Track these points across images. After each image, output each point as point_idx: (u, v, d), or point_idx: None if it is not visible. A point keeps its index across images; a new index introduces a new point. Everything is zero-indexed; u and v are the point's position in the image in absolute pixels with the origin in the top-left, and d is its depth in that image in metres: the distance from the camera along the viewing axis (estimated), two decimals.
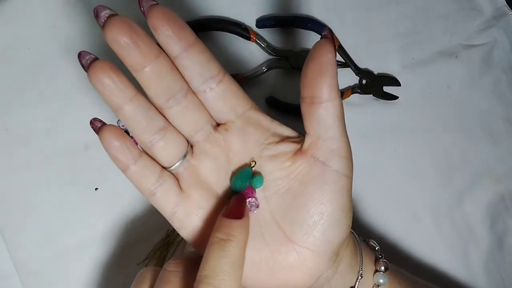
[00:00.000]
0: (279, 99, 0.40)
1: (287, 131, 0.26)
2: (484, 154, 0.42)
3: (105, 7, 0.21)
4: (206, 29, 0.40)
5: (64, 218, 0.37)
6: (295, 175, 0.25)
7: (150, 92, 0.23)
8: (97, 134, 0.24)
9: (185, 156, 0.25)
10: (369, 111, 0.41)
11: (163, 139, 0.24)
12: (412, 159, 0.41)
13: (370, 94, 0.41)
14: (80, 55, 0.22)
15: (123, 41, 0.21)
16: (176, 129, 0.25)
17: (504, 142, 0.43)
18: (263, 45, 0.40)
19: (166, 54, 0.23)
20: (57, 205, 0.37)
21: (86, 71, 0.22)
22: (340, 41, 0.41)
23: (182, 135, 0.25)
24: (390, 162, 0.41)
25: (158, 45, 0.23)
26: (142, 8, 0.22)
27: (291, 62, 0.40)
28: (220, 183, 0.26)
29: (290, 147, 0.26)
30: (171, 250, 0.37)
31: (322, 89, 0.23)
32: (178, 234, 0.38)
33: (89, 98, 0.38)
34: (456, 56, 0.43)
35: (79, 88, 0.38)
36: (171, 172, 0.25)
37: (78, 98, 0.38)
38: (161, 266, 0.37)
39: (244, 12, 0.41)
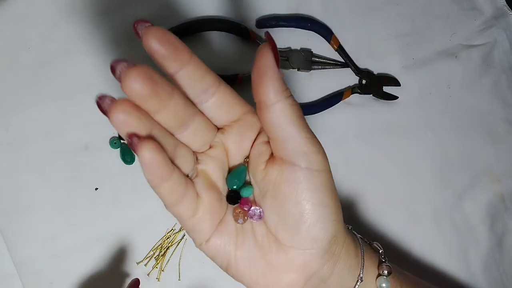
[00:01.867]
0: None
1: None
2: (484, 154, 0.42)
3: (119, 61, 0.21)
4: (206, 29, 0.40)
5: (64, 218, 0.37)
6: (268, 178, 0.26)
7: (165, 125, 0.24)
8: (136, 153, 0.23)
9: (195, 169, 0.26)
10: (369, 111, 0.41)
11: (178, 159, 0.25)
12: (412, 159, 0.41)
13: (370, 94, 0.41)
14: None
15: (141, 93, 0.21)
16: (185, 146, 0.25)
17: (504, 142, 0.43)
18: None
19: (179, 92, 0.23)
20: (57, 205, 0.37)
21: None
22: (340, 41, 0.41)
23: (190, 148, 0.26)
24: (390, 162, 0.41)
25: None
26: (137, 31, 0.21)
27: (291, 62, 0.40)
28: (224, 185, 0.27)
29: (268, 149, 0.26)
30: (170, 250, 0.38)
31: (266, 93, 0.23)
32: (177, 234, 0.38)
33: (89, 98, 0.38)
34: (456, 56, 0.43)
35: (79, 88, 0.38)
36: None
37: (78, 98, 0.38)
38: (161, 266, 0.37)
39: (244, 12, 0.41)
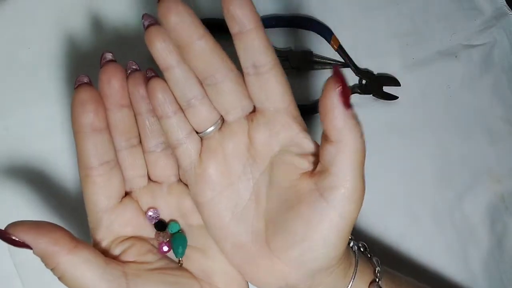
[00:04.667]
0: None
1: (312, 148, 0.26)
2: (484, 154, 0.42)
3: None
4: (207, 29, 0.39)
5: (64, 218, 0.37)
6: (296, 190, 0.25)
7: (192, 66, 0.25)
8: (148, 82, 0.25)
9: (213, 127, 0.27)
10: (369, 111, 0.41)
11: (195, 106, 0.26)
12: (412, 159, 0.41)
13: (370, 94, 0.41)
14: (143, 16, 0.25)
15: (172, 20, 0.23)
16: (210, 102, 0.26)
17: (504, 143, 0.43)
18: None
19: (211, 36, 0.25)
20: (57, 205, 0.37)
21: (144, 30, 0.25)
22: (340, 41, 0.41)
23: (216, 110, 0.27)
24: (389, 162, 0.41)
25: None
26: None
27: (291, 62, 0.40)
28: (234, 166, 0.27)
29: (304, 164, 0.26)
30: None
31: (331, 129, 0.23)
32: None
33: None
34: (456, 56, 0.43)
35: None
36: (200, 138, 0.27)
37: None
38: None
39: None
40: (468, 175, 0.42)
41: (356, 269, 0.29)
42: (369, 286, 0.29)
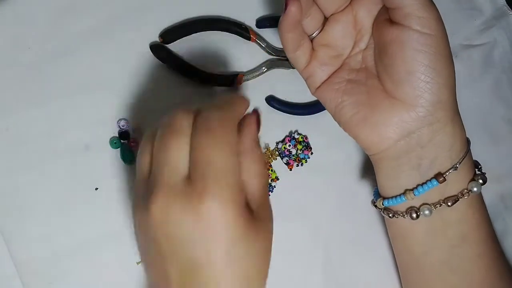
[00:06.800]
0: (279, 99, 0.40)
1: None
2: (484, 154, 0.42)
3: None
4: (206, 29, 0.40)
5: (64, 218, 0.37)
6: (382, 39, 0.30)
7: None
8: (285, 10, 0.29)
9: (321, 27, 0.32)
10: None
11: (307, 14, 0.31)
12: None
13: None
14: None
15: None
16: (318, 9, 0.31)
17: (505, 142, 0.43)
18: (263, 45, 0.40)
19: None
20: (57, 205, 0.37)
21: None
22: None
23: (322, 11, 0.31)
24: None
25: None
26: None
27: (291, 62, 0.40)
28: (346, 44, 0.32)
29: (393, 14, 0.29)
30: None
31: None
32: None
33: (89, 98, 0.38)
34: (456, 56, 0.43)
35: (79, 88, 0.38)
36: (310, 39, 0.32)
37: (78, 98, 0.38)
38: None
39: (244, 12, 0.41)
40: None
41: (469, 148, 0.31)
42: (474, 175, 0.31)
